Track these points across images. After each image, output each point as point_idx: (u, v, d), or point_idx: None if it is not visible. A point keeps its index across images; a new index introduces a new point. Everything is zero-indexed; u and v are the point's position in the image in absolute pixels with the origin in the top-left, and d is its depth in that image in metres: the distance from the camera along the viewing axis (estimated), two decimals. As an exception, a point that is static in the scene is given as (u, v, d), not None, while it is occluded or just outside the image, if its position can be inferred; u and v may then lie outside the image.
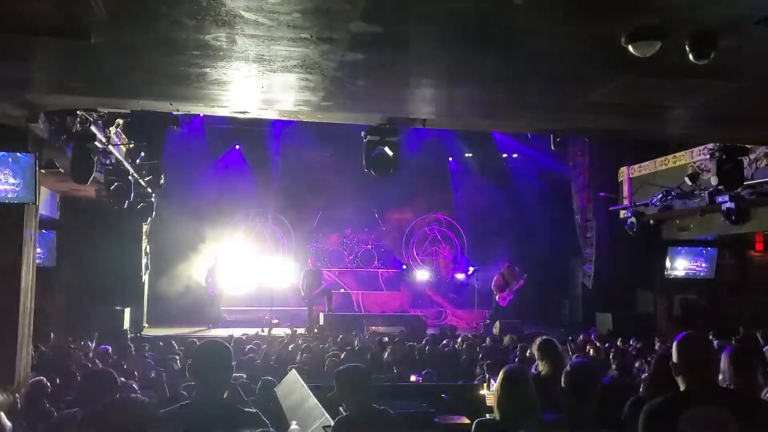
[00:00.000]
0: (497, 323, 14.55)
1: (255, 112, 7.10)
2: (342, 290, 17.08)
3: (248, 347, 9.59)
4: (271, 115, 7.44)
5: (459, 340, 11.08)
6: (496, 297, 15.33)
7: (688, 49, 4.28)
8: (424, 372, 7.89)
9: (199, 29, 4.51)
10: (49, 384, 5.67)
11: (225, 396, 3.39)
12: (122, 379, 6.35)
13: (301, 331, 13.25)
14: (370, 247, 17.88)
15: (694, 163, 12.07)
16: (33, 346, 7.98)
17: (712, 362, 3.07)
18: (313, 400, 5.30)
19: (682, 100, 6.31)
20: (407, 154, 14.65)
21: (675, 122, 7.46)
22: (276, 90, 6.10)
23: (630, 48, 4.32)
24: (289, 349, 9.80)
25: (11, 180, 7.24)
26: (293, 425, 4.58)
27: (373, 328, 12.82)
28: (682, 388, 3.04)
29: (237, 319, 15.30)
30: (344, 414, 4.22)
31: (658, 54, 4.34)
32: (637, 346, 10.84)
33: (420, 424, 5.34)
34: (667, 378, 4.47)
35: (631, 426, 4.15)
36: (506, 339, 11.26)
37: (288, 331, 12.49)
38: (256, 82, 5.80)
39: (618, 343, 11.17)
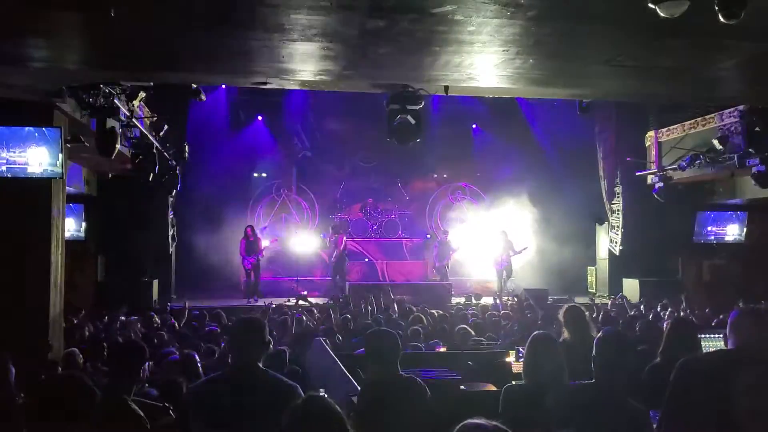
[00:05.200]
0: (522, 291, 14.52)
1: (276, 82, 7.07)
2: (366, 260, 17.14)
3: (281, 318, 9.65)
4: (292, 85, 7.41)
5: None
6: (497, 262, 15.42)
7: (717, 8, 4.15)
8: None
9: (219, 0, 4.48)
10: (81, 356, 5.78)
11: (260, 366, 3.49)
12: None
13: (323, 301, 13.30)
14: (393, 216, 17.87)
15: (724, 126, 11.81)
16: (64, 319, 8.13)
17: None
18: (340, 368, 5.35)
19: (712, 61, 6.15)
20: (430, 122, 14.53)
21: (704, 85, 7.29)
22: (297, 60, 6.06)
23: (658, 9, 4.20)
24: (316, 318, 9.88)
25: (38, 155, 7.33)
26: (321, 393, 4.62)
27: (398, 296, 12.84)
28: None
29: (264, 289, 15.40)
30: (371, 378, 4.24)
31: (686, 14, 4.21)
32: (665, 312, 10.75)
33: (446, 391, 5.35)
34: (683, 342, 4.46)
35: (650, 390, 4.14)
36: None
37: (319, 301, 12.50)
38: (276, 52, 5.77)
39: (645, 310, 11.09)
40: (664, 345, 4.58)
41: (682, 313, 10.18)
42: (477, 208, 18.52)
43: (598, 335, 3.58)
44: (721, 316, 9.99)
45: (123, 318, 10.13)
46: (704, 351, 4.78)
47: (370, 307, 10.62)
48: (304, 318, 9.51)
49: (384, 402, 3.98)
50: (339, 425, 2.39)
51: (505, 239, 15.32)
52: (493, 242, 15.51)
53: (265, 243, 15.32)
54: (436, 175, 18.92)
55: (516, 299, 11.56)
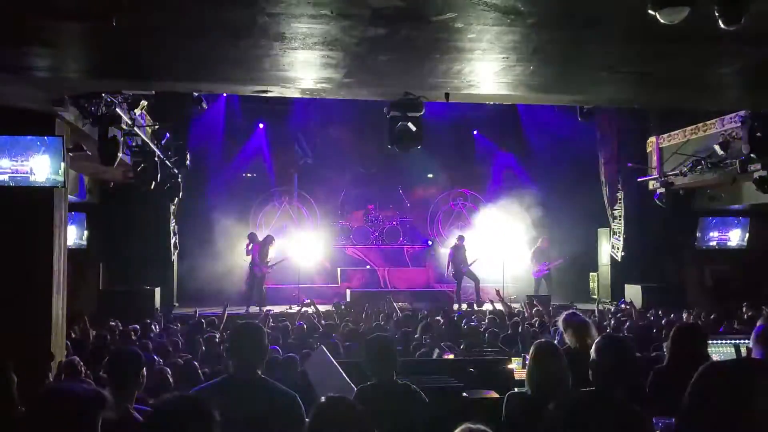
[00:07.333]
0: (524, 297, 14.51)
1: (277, 90, 7.09)
2: (368, 267, 17.12)
3: (283, 324, 9.64)
4: (294, 93, 7.43)
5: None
6: (534, 269, 15.46)
7: (717, 14, 4.15)
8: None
9: (220, 9, 4.49)
10: (82, 363, 5.78)
11: (260, 373, 3.50)
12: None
13: (328, 307, 13.24)
14: (395, 223, 17.85)
15: (725, 131, 11.81)
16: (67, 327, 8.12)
17: None
18: (342, 376, 5.33)
19: (713, 67, 6.16)
20: (431, 129, 14.51)
21: (706, 90, 7.29)
22: (297, 68, 6.08)
23: (657, 15, 4.20)
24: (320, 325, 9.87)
25: (40, 164, 7.35)
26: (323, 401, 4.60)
27: (400, 303, 12.80)
28: None
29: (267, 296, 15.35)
30: (367, 384, 4.23)
31: (686, 20, 4.22)
32: (668, 318, 10.72)
33: (448, 398, 5.33)
34: (693, 347, 4.40)
35: (654, 395, 4.11)
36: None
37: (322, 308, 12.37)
38: (277, 61, 5.78)
39: (648, 316, 11.07)
40: (672, 350, 4.51)
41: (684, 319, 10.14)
42: (478, 214, 18.50)
43: (597, 341, 3.53)
44: (725, 322, 9.98)
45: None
46: (711, 357, 4.73)
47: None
48: (305, 326, 9.50)
49: (379, 409, 3.96)
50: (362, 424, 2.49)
51: (543, 247, 15.38)
52: (531, 250, 15.60)
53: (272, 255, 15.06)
54: (437, 182, 18.89)
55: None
